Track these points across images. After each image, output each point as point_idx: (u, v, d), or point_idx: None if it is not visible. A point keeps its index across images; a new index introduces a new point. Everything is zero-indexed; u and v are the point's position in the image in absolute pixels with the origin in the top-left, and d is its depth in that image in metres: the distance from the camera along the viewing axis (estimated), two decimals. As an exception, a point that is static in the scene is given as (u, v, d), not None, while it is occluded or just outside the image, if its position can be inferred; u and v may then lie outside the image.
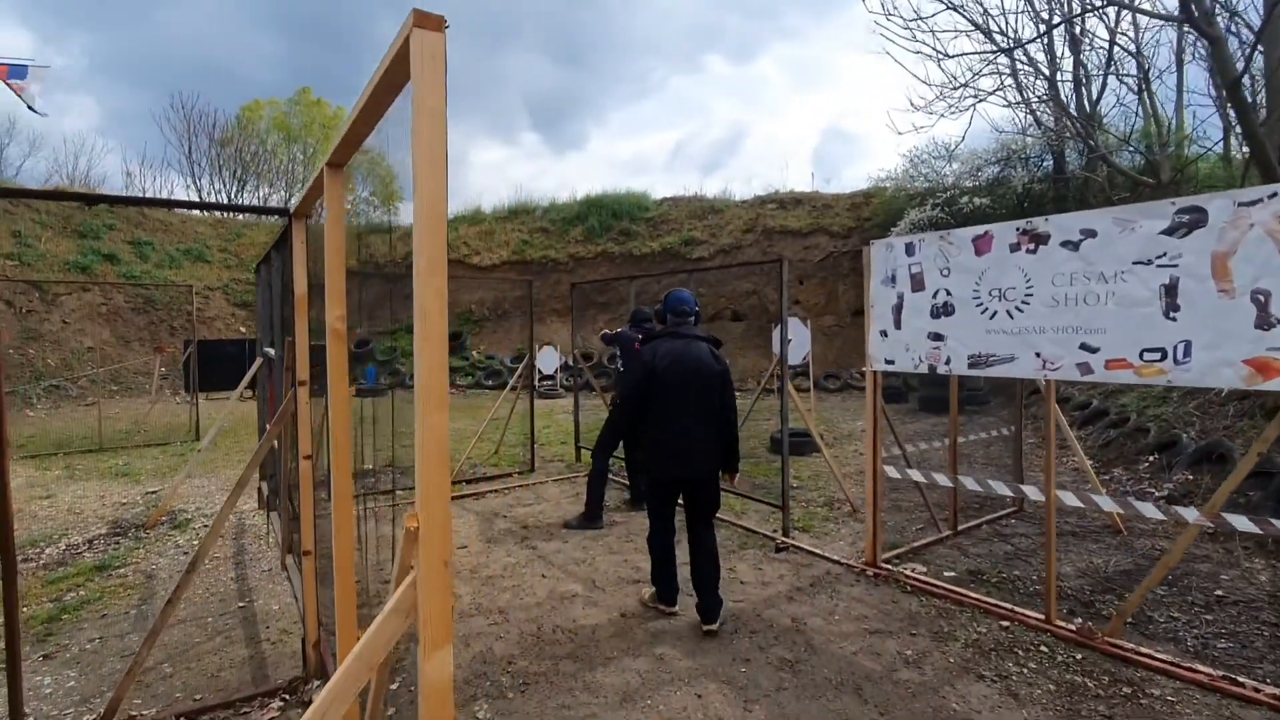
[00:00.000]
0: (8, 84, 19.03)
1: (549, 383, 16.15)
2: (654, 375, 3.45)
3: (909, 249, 4.09)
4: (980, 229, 3.75)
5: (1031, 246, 3.50)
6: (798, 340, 7.73)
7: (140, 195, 17.71)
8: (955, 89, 11.59)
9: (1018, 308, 3.56)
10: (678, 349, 3.53)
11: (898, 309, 4.13)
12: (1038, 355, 3.47)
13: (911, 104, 20.02)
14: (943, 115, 12.47)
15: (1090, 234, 3.30)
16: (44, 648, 3.34)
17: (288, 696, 2.88)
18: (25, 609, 3.80)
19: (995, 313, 3.65)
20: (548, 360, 15.30)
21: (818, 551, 4.58)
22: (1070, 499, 3.62)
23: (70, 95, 42.53)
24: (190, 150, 28.49)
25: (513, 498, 6.25)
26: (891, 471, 4.33)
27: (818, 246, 17.52)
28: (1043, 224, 3.46)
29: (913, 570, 4.22)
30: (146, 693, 2.94)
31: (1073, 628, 3.40)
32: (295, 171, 29.20)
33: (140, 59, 46.23)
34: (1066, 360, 3.37)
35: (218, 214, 22.07)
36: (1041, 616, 3.51)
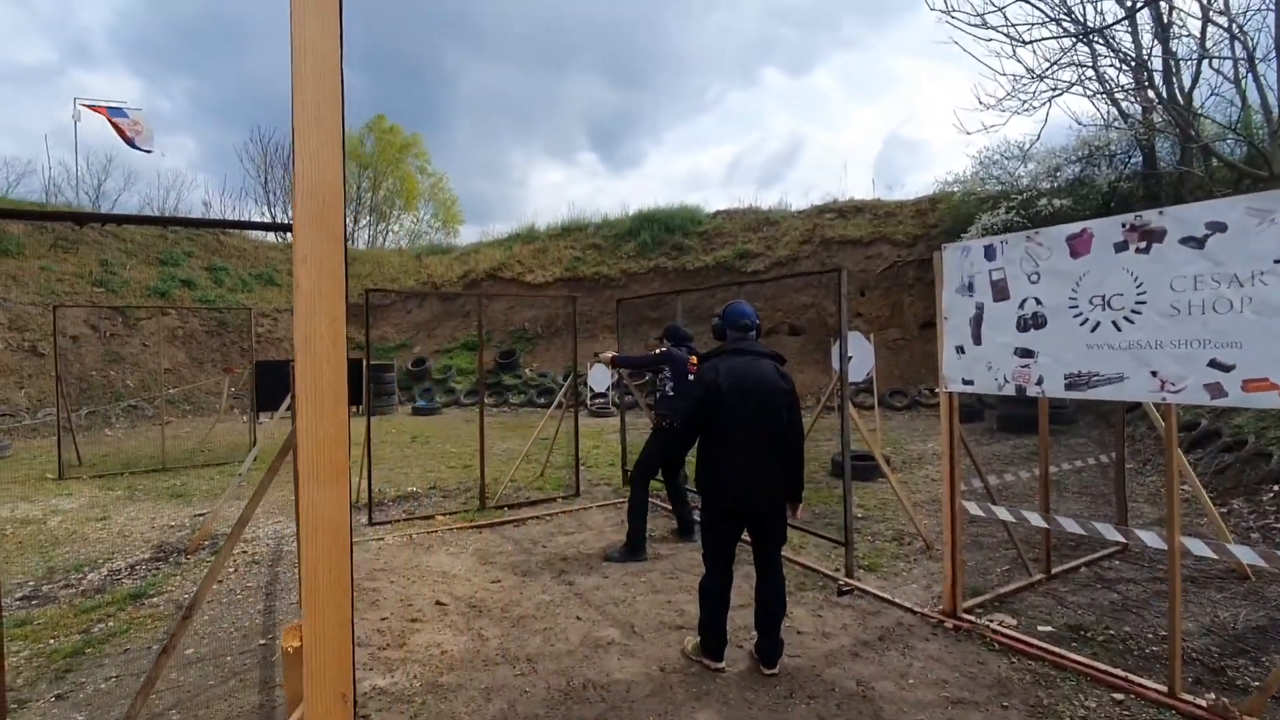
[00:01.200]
0: (111, 122, 20.69)
1: (600, 401, 15.90)
2: (717, 396, 3.15)
3: (989, 253, 3.57)
4: (1076, 226, 3.22)
5: (1142, 245, 2.94)
6: (860, 355, 7.17)
7: (160, 215, 18.74)
8: (1031, 81, 10.80)
9: (1126, 318, 3.01)
10: (741, 366, 3.22)
11: (976, 321, 3.61)
12: (1154, 374, 2.90)
13: (980, 102, 18.95)
14: (1015, 112, 11.57)
15: (1218, 228, 2.73)
16: (60, 686, 3.21)
17: (289, 757, 2.61)
18: (52, 641, 3.72)
19: (1098, 324, 3.10)
20: (599, 378, 15.07)
21: (887, 596, 4.05)
22: (1200, 548, 3.01)
23: (171, 135, 46.21)
24: (266, 180, 30.06)
25: (555, 525, 5.93)
26: (973, 509, 3.78)
27: (880, 256, 16.72)
28: (1156, 218, 2.91)
29: (1000, 623, 3.65)
30: (147, 745, 2.73)
31: (1204, 704, 2.79)
32: (363, 198, 30.41)
33: (231, 99, 49.86)
34: (1191, 380, 2.79)
35: (287, 237, 23.03)
36: (1164, 689, 2.90)
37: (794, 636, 3.56)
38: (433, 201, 32.46)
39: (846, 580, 4.29)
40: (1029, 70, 11.69)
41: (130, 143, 20.25)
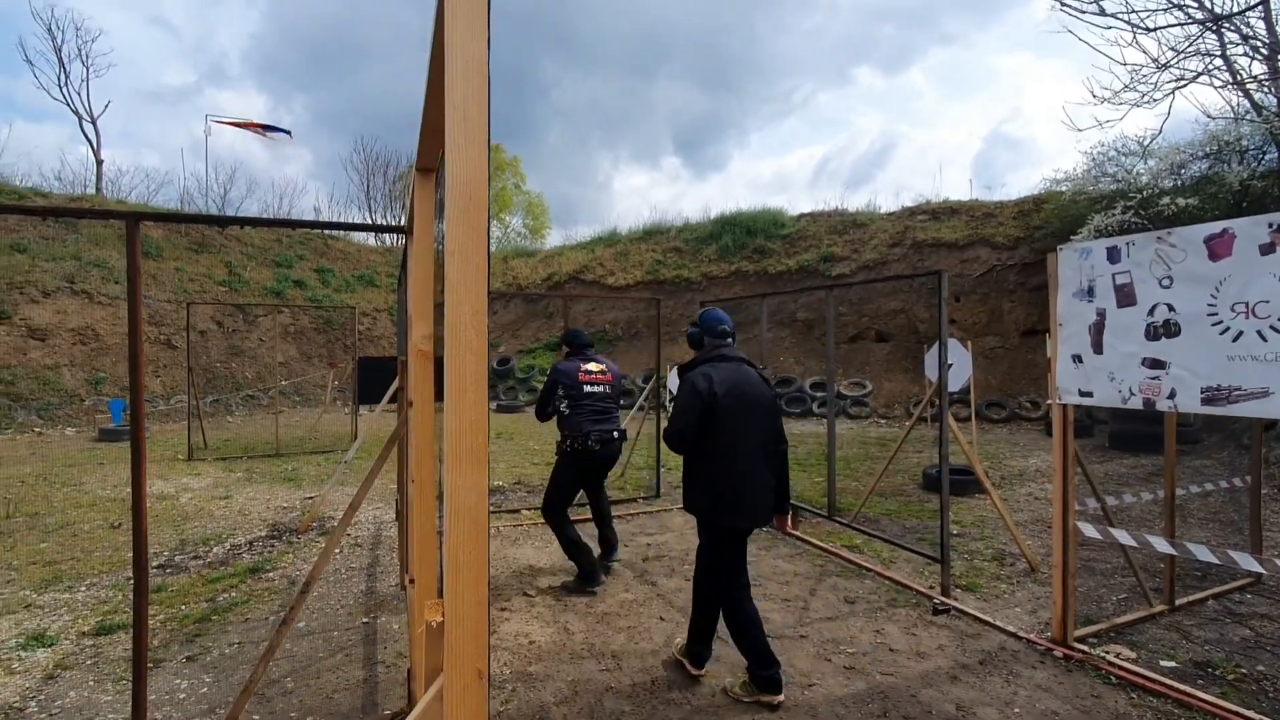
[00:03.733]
0: (249, 125, 22.83)
1: (680, 403, 15.89)
2: (714, 407, 2.95)
3: (1113, 255, 3.31)
4: (1216, 226, 2.93)
5: (1298, 246, 2.64)
6: (957, 364, 6.81)
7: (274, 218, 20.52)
8: (1153, 72, 9.95)
9: (1274, 327, 2.71)
10: (733, 374, 3.05)
11: (1097, 328, 3.35)
12: (1311, 390, 2.59)
13: (1093, 95, 17.51)
14: (1134, 105, 10.66)
15: (1397, 226, 2.41)
16: (190, 649, 3.53)
17: (390, 731, 2.76)
18: (184, 607, 4.10)
19: (1240, 334, 2.81)
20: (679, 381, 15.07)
21: (987, 619, 3.82)
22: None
23: (291, 147, 50.32)
24: (368, 188, 32.02)
25: (636, 525, 5.98)
26: (1088, 530, 3.51)
27: (977, 260, 15.85)
28: (1317, 216, 2.61)
29: (1118, 655, 3.37)
30: (266, 708, 2.96)
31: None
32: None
33: (342, 112, 53.81)
34: (1359, 397, 2.48)
35: (386, 242, 24.43)
36: (1320, 743, 2.59)
37: (886, 654, 3.43)
38: (524, 212, 33.48)
39: (943, 599, 4.08)
40: (1151, 60, 10.77)
41: (270, 128, 22.47)
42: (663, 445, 7.65)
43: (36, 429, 12.24)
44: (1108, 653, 3.38)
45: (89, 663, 3.38)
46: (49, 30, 32.88)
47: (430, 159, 1.71)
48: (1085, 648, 3.42)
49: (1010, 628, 3.70)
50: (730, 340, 3.24)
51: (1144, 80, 10.35)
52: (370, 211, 32.01)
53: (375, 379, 11.56)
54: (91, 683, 3.18)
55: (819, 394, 15.19)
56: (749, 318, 17.66)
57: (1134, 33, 9.91)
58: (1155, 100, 10.56)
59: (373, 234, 25.01)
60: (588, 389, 4.48)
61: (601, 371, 4.58)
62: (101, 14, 49.96)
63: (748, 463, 2.99)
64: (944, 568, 4.21)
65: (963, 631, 3.71)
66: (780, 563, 4.88)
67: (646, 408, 7.63)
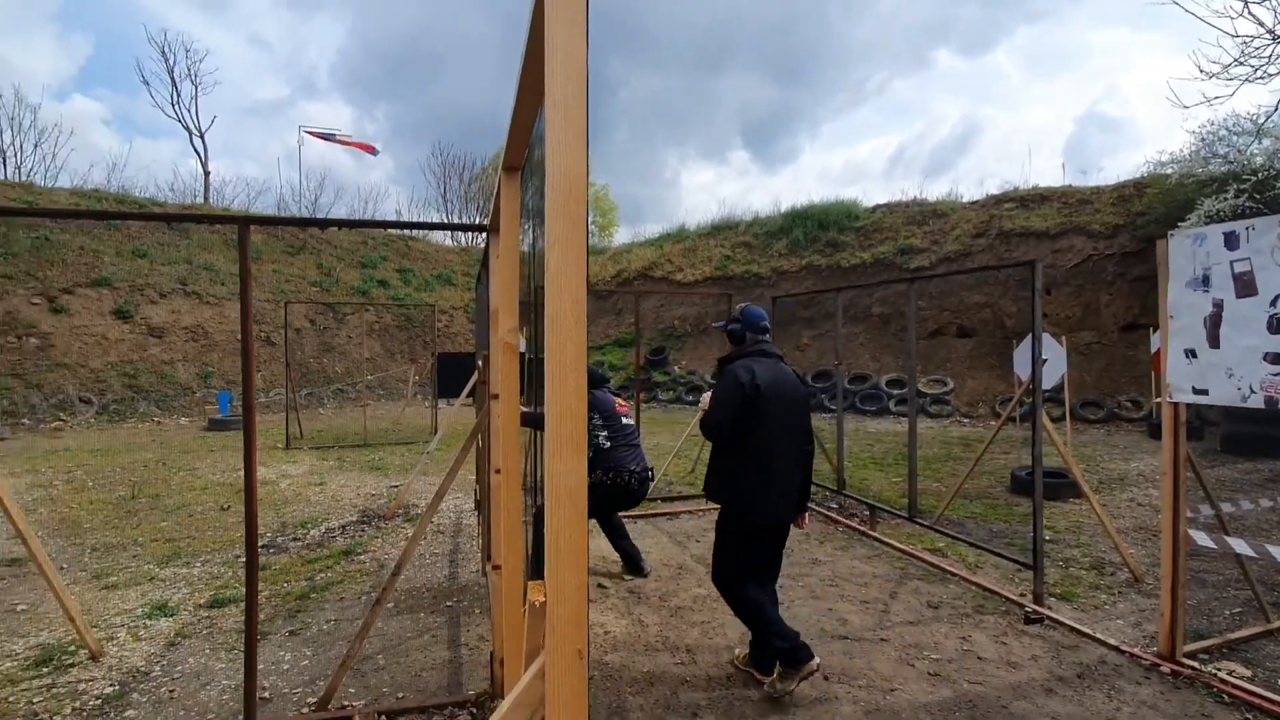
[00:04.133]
0: (336, 141, 24.19)
1: (750, 400, 15.71)
2: (757, 400, 2.94)
3: (1230, 240, 3.04)
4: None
5: None
6: (1051, 360, 6.43)
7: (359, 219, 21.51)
8: (1269, 44, 9.03)
9: None
10: (773, 370, 3.06)
11: (1213, 321, 3.09)
12: None
13: (1200, 70, 16.02)
14: (1247, 80, 9.69)
15: None
16: (292, 624, 3.79)
17: (475, 711, 2.87)
18: (288, 584, 4.40)
19: (1391, 325, 2.53)
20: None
21: (1086, 630, 3.60)
22: None
23: (374, 155, 53.11)
24: (445, 190, 33.24)
25: (707, 520, 5.96)
26: (1201, 539, 3.24)
27: (1071, 249, 14.86)
28: None
29: (1230, 673, 3.10)
30: (360, 682, 3.14)
31: None
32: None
33: (421, 119, 56.30)
34: None
35: (462, 242, 25.31)
36: None
37: (974, 662, 3.28)
38: (593, 209, 34.02)
39: (1036, 608, 3.87)
40: (1265, 30, 9.75)
41: (361, 147, 23.85)
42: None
43: (155, 418, 13.42)
44: (1219, 670, 3.12)
45: (205, 632, 3.69)
46: (162, 53, 35.79)
47: (517, 158, 1.76)
48: (1195, 664, 3.17)
49: (1112, 640, 3.47)
50: (767, 337, 3.24)
51: (1257, 53, 9.41)
52: (447, 213, 33.27)
53: (453, 374, 12.01)
54: (207, 651, 3.47)
55: (895, 391, 14.67)
56: (821, 313, 17.25)
57: (1245, 1, 9.02)
58: (1269, 75, 9.59)
59: (449, 235, 25.98)
60: (625, 420, 4.32)
61: (620, 406, 4.39)
62: (207, 35, 54.11)
63: (781, 459, 3.00)
64: (1037, 575, 3.99)
65: (1058, 642, 3.51)
66: (858, 564, 4.76)
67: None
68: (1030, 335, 4.21)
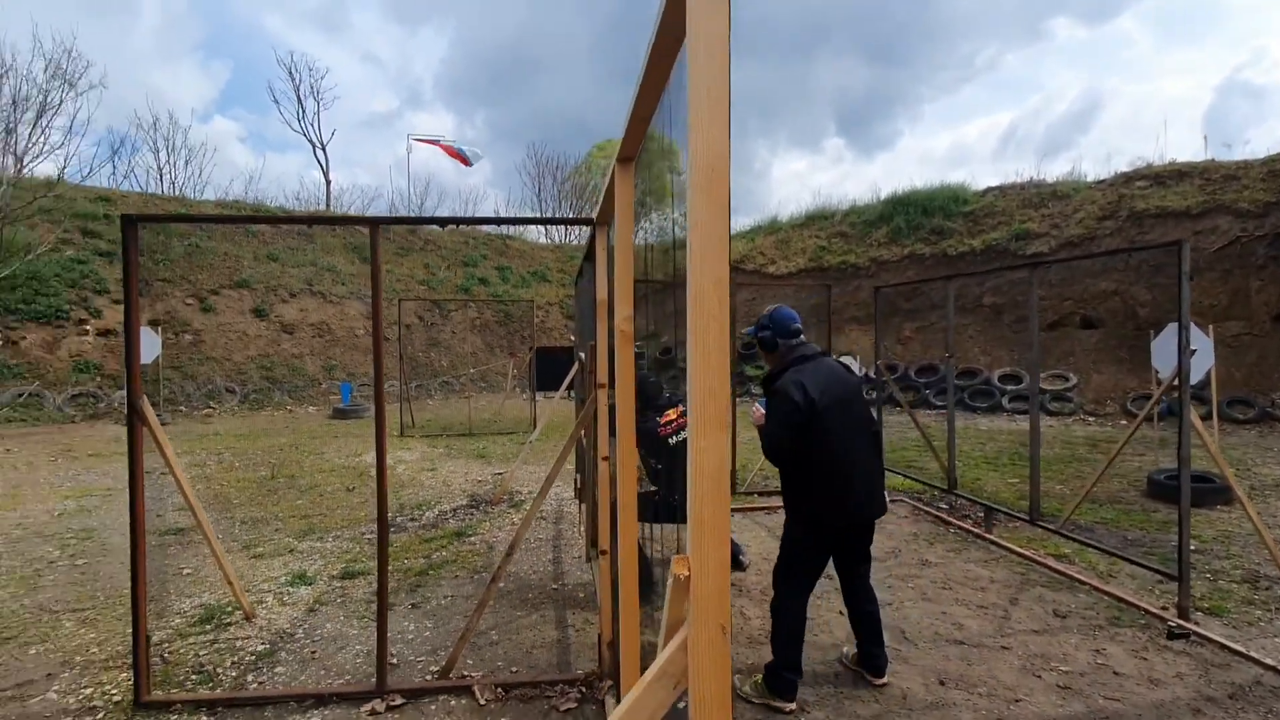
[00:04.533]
0: (441, 148, 25.58)
1: (847, 395, 15.19)
2: (814, 414, 2.78)
3: None
4: None
5: None
6: (1200, 352, 5.80)
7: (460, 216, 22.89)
8: None
9: None
10: (822, 372, 2.90)
11: None
12: None
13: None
14: None
15: None
16: (414, 597, 4.06)
17: (584, 690, 2.97)
18: (408, 561, 4.72)
19: None
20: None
21: (1238, 648, 3.23)
22: None
23: (475, 159, 55.97)
24: (539, 189, 34.30)
25: (806, 517, 5.84)
26: (1397, 553, 2.82)
27: (1215, 230, 13.30)
28: None
29: None
30: (477, 655, 3.32)
31: None
32: (617, 199, 33.00)
33: (518, 123, 58.51)
34: None
35: (556, 239, 26.04)
36: None
37: (1109, 676, 3.03)
38: (683, 199, 34.05)
39: (1180, 622, 3.51)
40: None
41: (462, 157, 25.04)
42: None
43: (288, 407, 14.74)
44: None
45: (339, 600, 4.03)
46: (289, 72, 39.02)
47: (632, 148, 1.80)
48: (1391, 699, 2.77)
49: (1269, 660, 3.10)
50: (800, 337, 3.06)
51: None
52: (541, 211, 34.30)
53: (550, 368, 12.42)
54: (341, 618, 3.78)
55: (1009, 387, 13.73)
56: (925, 304, 16.38)
57: None
58: None
59: (544, 234, 26.79)
60: (673, 440, 4.01)
61: (682, 414, 4.00)
62: (327, 54, 58.55)
63: (858, 454, 2.89)
64: (1182, 586, 3.62)
65: (1207, 660, 3.17)
66: (973, 567, 4.50)
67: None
68: (1171, 325, 3.83)
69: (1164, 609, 3.71)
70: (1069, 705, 2.81)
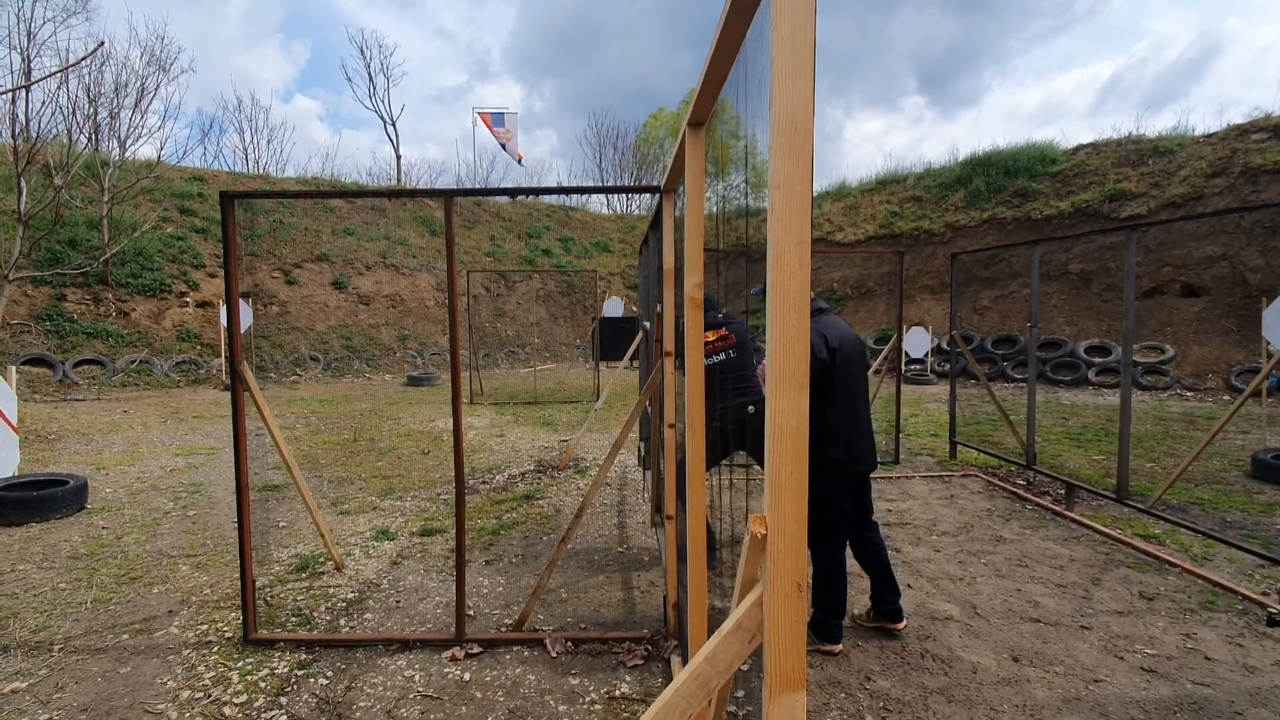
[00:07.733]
0: (492, 131, 25.74)
1: (917, 367, 14.71)
2: (834, 367, 2.91)
3: None
4: None
5: None
6: (1318, 321, 5.31)
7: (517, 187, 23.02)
8: None
9: None
10: (837, 328, 3.05)
11: None
12: None
13: None
14: None
15: None
16: (487, 555, 4.26)
17: (650, 648, 3.06)
18: (480, 521, 4.94)
19: None
20: (917, 342, 13.94)
21: (1356, 641, 3.01)
22: None
23: (542, 129, 56.15)
24: (600, 159, 34.20)
25: (874, 491, 5.73)
26: None
27: (1349, 186, 11.97)
28: None
29: None
30: (548, 611, 3.47)
31: None
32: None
33: (582, 92, 58.35)
34: None
35: (618, 210, 25.99)
36: None
37: (1199, 661, 2.89)
38: (744, 167, 33.28)
39: (1284, 609, 3.29)
40: None
41: (504, 146, 25.11)
42: (903, 411, 7.15)
43: (366, 375, 15.50)
44: None
45: (418, 555, 4.27)
46: (361, 50, 40.02)
47: (703, 113, 1.77)
48: None
49: (1396, 658, 2.87)
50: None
51: None
52: (602, 180, 34.24)
53: (613, 338, 12.54)
54: (421, 571, 4.01)
55: (1096, 359, 12.94)
56: (1005, 271, 15.55)
57: None
58: None
59: (606, 204, 26.77)
60: (709, 361, 3.73)
61: (723, 338, 3.84)
62: (396, 31, 59.70)
63: (863, 409, 3.07)
64: (1289, 572, 3.38)
65: (1316, 652, 2.97)
66: (1051, 545, 4.33)
67: (884, 370, 7.20)
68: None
69: (1265, 595, 3.48)
70: (1154, 688, 2.70)
